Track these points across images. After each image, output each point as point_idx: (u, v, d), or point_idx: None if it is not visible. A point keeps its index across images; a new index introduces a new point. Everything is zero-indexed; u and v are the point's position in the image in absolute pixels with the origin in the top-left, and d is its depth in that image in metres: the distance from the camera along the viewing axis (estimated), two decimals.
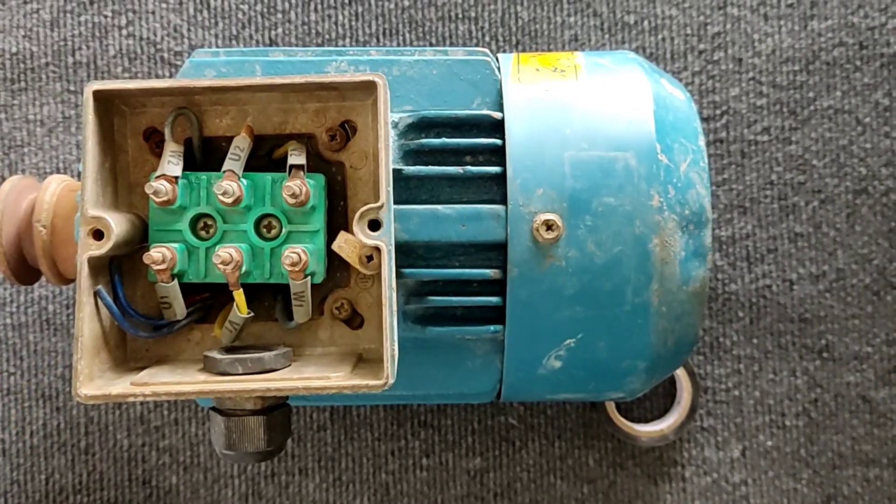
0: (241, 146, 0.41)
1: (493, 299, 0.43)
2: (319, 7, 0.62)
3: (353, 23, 0.62)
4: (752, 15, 0.61)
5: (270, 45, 0.61)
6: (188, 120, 0.42)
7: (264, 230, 0.41)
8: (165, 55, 0.61)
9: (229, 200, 0.40)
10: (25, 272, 0.46)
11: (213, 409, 0.41)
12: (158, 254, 0.39)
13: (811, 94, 0.61)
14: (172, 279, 0.40)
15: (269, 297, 0.44)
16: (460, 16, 0.62)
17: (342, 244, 0.40)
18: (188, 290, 0.42)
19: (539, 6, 0.62)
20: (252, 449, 0.40)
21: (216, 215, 0.41)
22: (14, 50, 0.61)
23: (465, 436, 0.60)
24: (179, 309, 0.41)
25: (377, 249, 0.39)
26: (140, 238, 0.41)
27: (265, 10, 0.62)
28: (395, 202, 0.41)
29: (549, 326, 0.44)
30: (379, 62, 0.45)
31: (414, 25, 0.62)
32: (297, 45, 0.61)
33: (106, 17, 0.62)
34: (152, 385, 0.38)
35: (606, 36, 0.61)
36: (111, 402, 0.59)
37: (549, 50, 0.61)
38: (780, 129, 0.61)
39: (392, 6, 0.62)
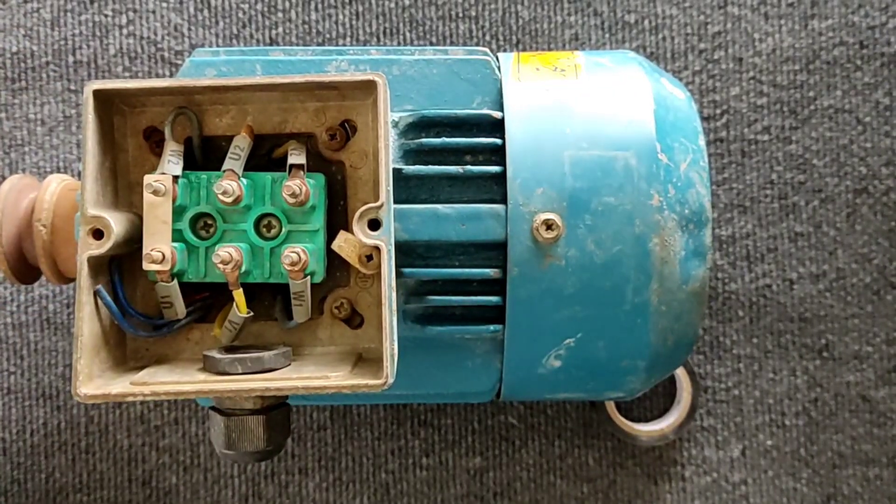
0: (241, 145, 0.41)
1: (493, 299, 0.43)
2: (320, 6, 0.62)
3: (354, 22, 0.62)
4: (753, 14, 0.61)
5: (271, 45, 0.61)
6: (188, 119, 0.42)
7: (264, 230, 0.41)
8: (166, 54, 0.61)
9: (229, 200, 0.40)
10: (25, 271, 0.46)
11: (213, 408, 0.41)
12: (158, 253, 0.39)
13: (811, 94, 0.61)
14: (172, 279, 0.40)
15: (269, 297, 0.44)
16: (461, 15, 0.62)
17: (342, 244, 0.40)
18: (188, 289, 0.42)
19: (539, 5, 0.61)
20: (252, 448, 0.40)
21: (216, 215, 0.41)
22: (14, 49, 0.61)
23: (465, 435, 0.60)
24: (179, 308, 0.41)
25: (377, 249, 0.39)
26: (140, 237, 0.41)
27: (265, 9, 0.62)
28: (395, 201, 0.41)
29: (549, 326, 0.44)
30: (379, 61, 0.45)
31: (414, 25, 0.61)
32: (297, 45, 0.61)
33: (106, 16, 0.62)
34: (152, 384, 0.38)
35: (607, 35, 0.61)
36: (111, 402, 0.59)
37: (550, 49, 0.61)
38: (780, 129, 0.61)
39: (392, 5, 0.62)
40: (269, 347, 0.41)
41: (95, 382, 0.39)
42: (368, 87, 0.40)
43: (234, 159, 0.40)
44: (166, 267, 0.39)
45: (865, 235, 0.60)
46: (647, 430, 0.59)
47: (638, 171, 0.43)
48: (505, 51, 0.61)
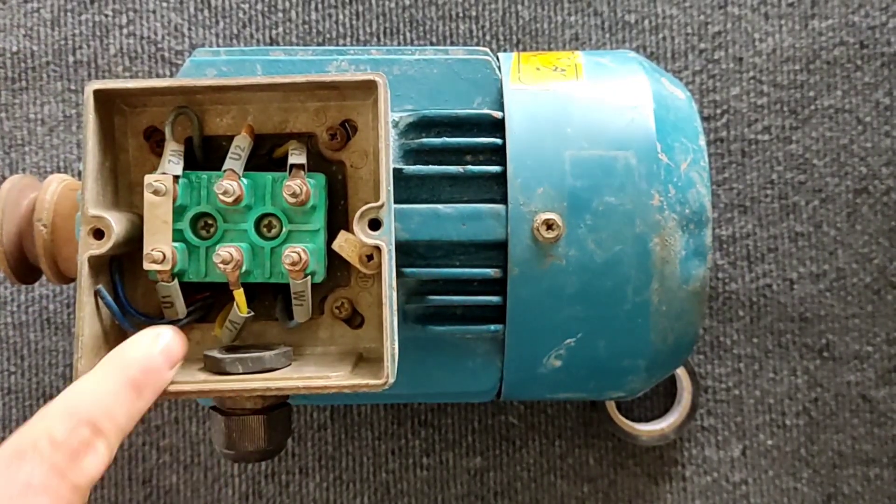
0: (241, 145, 0.41)
1: (494, 298, 0.43)
2: (320, 6, 0.62)
3: (354, 22, 0.62)
4: (753, 14, 0.61)
5: (271, 45, 0.61)
6: (189, 119, 0.42)
7: (265, 229, 0.41)
8: (166, 54, 0.61)
9: (230, 200, 0.40)
10: (26, 271, 0.46)
11: (214, 408, 0.41)
12: (159, 253, 0.39)
13: (812, 94, 0.61)
14: (173, 278, 0.40)
15: (270, 297, 0.44)
16: (461, 15, 0.62)
17: (342, 243, 0.40)
18: (188, 289, 0.42)
19: (540, 5, 0.61)
20: (252, 448, 0.40)
21: (216, 214, 0.41)
22: (15, 49, 0.61)
23: (466, 435, 0.60)
24: (180, 308, 0.41)
25: (377, 249, 0.39)
26: (140, 237, 0.41)
27: (266, 9, 0.62)
28: (396, 201, 0.41)
29: (550, 325, 0.44)
30: (379, 61, 0.45)
31: (414, 24, 0.62)
32: (297, 45, 0.61)
33: (107, 16, 0.62)
34: None
35: (607, 35, 0.61)
36: None
37: (550, 49, 0.61)
38: (780, 129, 0.61)
39: (392, 5, 0.62)
40: (270, 347, 0.41)
41: None
42: (369, 87, 0.40)
43: (235, 159, 0.40)
44: (167, 267, 0.40)
45: (866, 235, 0.60)
46: (648, 429, 0.59)
47: (638, 171, 0.43)
48: (505, 51, 0.61)
